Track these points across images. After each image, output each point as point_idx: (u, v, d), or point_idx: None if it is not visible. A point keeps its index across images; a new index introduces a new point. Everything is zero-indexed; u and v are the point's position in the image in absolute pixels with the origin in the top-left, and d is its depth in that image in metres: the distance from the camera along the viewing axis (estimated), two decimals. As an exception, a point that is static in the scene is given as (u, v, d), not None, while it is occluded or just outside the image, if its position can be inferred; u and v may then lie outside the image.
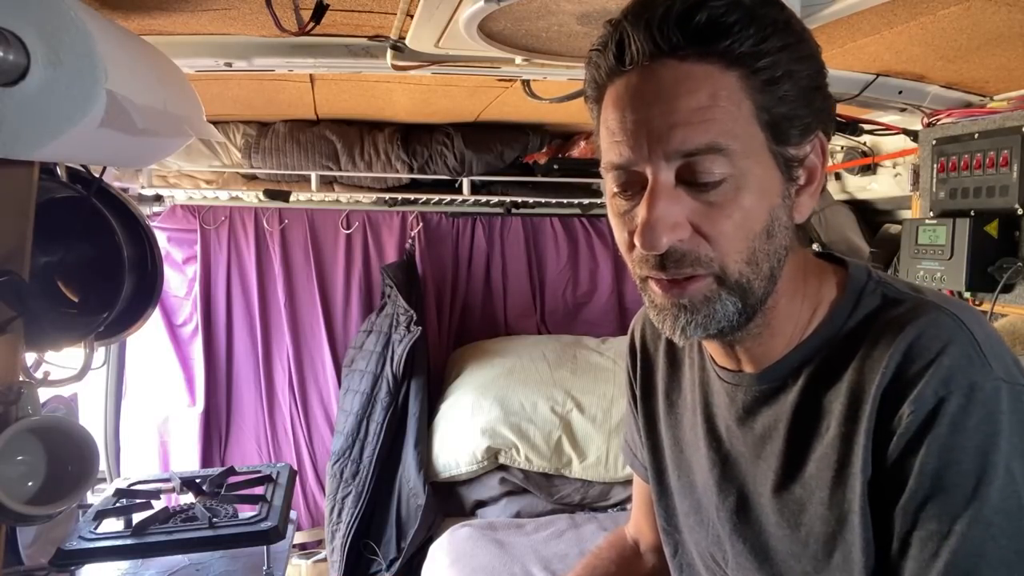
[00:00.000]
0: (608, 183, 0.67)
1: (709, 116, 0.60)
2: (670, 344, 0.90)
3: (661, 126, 0.61)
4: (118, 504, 1.57)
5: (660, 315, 0.67)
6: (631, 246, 0.66)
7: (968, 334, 0.61)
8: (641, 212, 0.63)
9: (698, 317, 0.65)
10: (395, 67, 1.34)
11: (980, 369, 0.59)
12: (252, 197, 2.52)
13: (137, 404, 2.55)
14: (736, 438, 0.76)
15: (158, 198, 2.37)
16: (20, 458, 0.87)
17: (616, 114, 0.64)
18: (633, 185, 0.65)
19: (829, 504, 0.66)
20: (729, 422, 0.77)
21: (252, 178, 2.42)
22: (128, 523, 1.49)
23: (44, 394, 0.95)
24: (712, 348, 0.79)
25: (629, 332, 0.98)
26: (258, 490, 1.66)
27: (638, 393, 0.94)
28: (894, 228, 2.15)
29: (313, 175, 2.35)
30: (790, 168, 0.65)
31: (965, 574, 0.56)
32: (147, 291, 1.15)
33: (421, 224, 2.78)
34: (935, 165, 1.60)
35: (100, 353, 1.11)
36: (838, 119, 1.73)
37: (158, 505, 1.58)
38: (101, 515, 1.48)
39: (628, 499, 2.52)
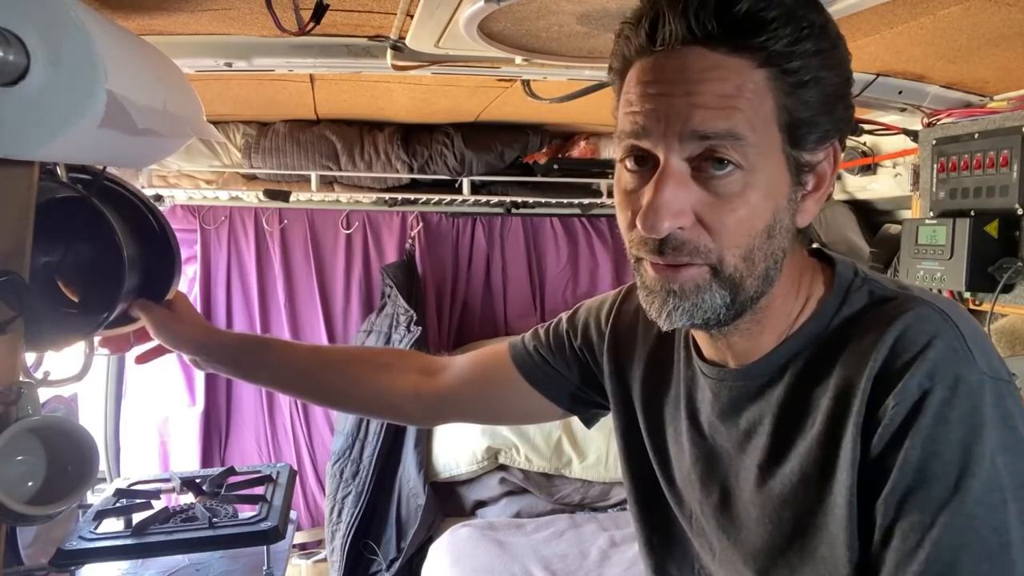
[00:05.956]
0: (619, 155, 0.66)
1: (732, 104, 0.60)
2: (657, 339, 0.88)
3: (683, 105, 0.60)
4: (118, 504, 1.57)
5: (649, 297, 0.67)
6: (632, 226, 0.65)
7: (954, 328, 0.61)
8: (647, 194, 0.62)
9: (685, 304, 0.65)
10: (395, 67, 1.34)
11: (965, 363, 0.60)
12: (252, 197, 2.52)
13: (137, 404, 2.55)
14: (719, 434, 0.76)
15: (158, 198, 2.36)
16: (20, 458, 0.87)
17: (638, 88, 0.63)
18: (644, 163, 0.64)
19: (814, 498, 0.66)
20: (712, 418, 0.77)
21: (252, 178, 2.42)
22: (128, 523, 1.49)
23: (44, 394, 0.95)
24: (700, 340, 0.78)
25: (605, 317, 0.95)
26: (258, 490, 1.66)
27: (618, 391, 0.92)
28: (894, 228, 2.15)
29: (313, 175, 2.35)
30: (800, 172, 0.65)
31: (947, 566, 0.56)
32: (153, 288, 1.15)
33: (421, 224, 2.78)
34: (935, 165, 1.60)
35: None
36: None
37: (158, 505, 1.58)
38: (101, 515, 1.48)
39: (628, 499, 2.52)
